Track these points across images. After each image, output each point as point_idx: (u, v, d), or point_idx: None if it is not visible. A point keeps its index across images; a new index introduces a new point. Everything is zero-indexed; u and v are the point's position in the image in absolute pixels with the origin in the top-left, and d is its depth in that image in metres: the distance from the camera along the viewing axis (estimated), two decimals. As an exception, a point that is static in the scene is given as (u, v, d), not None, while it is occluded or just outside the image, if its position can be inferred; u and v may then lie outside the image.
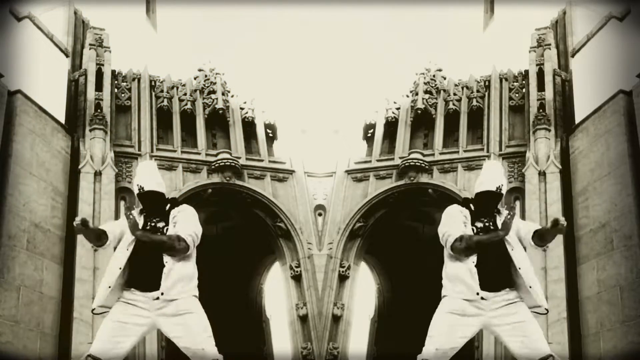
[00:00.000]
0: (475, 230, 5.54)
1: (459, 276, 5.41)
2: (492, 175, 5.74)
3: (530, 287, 5.30)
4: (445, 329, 5.38)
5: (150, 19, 15.68)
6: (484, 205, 5.67)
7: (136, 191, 5.69)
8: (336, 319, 12.51)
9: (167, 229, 5.54)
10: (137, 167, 6.02)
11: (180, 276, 5.41)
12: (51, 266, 10.82)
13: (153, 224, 5.57)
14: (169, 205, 5.72)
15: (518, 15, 13.96)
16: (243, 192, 12.71)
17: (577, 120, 11.82)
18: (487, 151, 12.27)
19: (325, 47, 18.37)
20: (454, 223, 5.57)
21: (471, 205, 5.73)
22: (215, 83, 13.09)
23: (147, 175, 5.72)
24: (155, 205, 5.67)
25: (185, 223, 5.55)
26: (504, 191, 5.69)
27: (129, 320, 5.34)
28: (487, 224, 5.56)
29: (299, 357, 12.31)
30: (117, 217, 11.52)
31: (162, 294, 5.32)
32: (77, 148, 11.66)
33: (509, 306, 5.36)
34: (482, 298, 5.32)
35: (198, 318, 5.42)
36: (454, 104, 12.81)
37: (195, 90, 12.96)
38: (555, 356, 5.23)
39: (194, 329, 5.37)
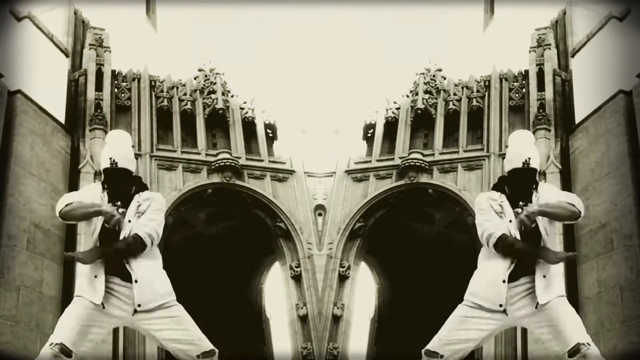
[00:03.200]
0: (515, 216, 4.91)
1: (489, 282, 4.88)
2: (518, 148, 5.09)
3: (544, 276, 4.77)
4: (454, 320, 4.91)
5: (150, 19, 15.68)
6: (516, 186, 5.02)
7: (106, 164, 4.97)
8: (336, 319, 12.51)
9: (126, 215, 4.88)
10: (108, 136, 5.33)
11: (150, 282, 4.81)
12: (51, 266, 10.81)
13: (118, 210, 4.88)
14: (134, 187, 5.08)
15: (518, 15, 13.96)
16: (243, 192, 12.71)
17: (577, 120, 11.82)
18: (487, 151, 12.27)
19: (325, 47, 18.36)
20: (488, 217, 4.98)
21: (506, 188, 5.10)
22: (215, 83, 13.09)
23: (119, 148, 5.08)
24: (121, 185, 4.99)
25: (149, 218, 4.92)
26: (534, 164, 5.01)
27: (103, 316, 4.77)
28: (524, 209, 4.90)
29: (299, 357, 12.31)
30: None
31: (138, 305, 4.73)
32: (77, 148, 11.66)
33: (532, 295, 4.80)
34: (504, 310, 4.80)
35: (188, 319, 4.90)
36: (454, 104, 12.81)
37: (195, 90, 12.97)
38: (587, 343, 4.62)
39: (185, 324, 4.85)
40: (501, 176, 5.31)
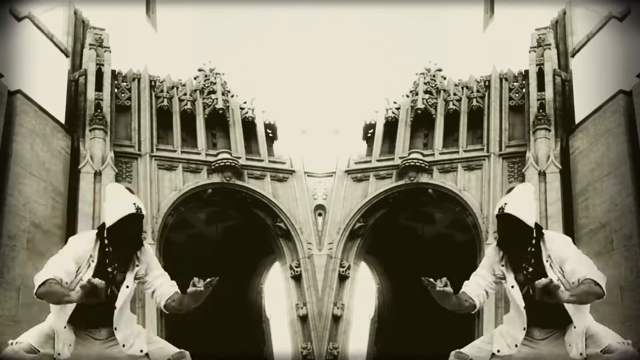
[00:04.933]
0: (517, 283, 4.71)
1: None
2: (502, 199, 4.84)
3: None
4: (489, 335, 4.94)
5: (150, 19, 15.68)
6: (503, 236, 4.74)
7: (131, 210, 4.72)
8: (336, 319, 12.50)
9: (125, 277, 4.74)
10: (113, 187, 5.14)
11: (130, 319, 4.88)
12: (51, 266, 10.80)
13: (113, 274, 4.70)
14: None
15: (518, 15, 13.96)
16: (243, 192, 12.71)
17: (577, 120, 11.82)
18: (487, 151, 12.27)
19: (325, 46, 18.35)
20: (479, 269, 4.89)
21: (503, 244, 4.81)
22: (215, 83, 13.09)
23: (136, 198, 4.88)
24: (133, 235, 4.75)
25: (161, 271, 4.86)
26: (509, 210, 4.65)
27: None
28: (525, 273, 4.63)
29: (299, 357, 12.30)
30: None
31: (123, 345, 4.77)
32: (77, 148, 11.66)
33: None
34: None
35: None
36: (454, 104, 12.81)
37: (195, 90, 12.96)
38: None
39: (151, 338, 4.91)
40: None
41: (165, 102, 12.74)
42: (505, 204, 4.73)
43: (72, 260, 4.75)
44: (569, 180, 11.56)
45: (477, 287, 4.81)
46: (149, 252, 4.90)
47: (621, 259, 10.19)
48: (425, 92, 13.01)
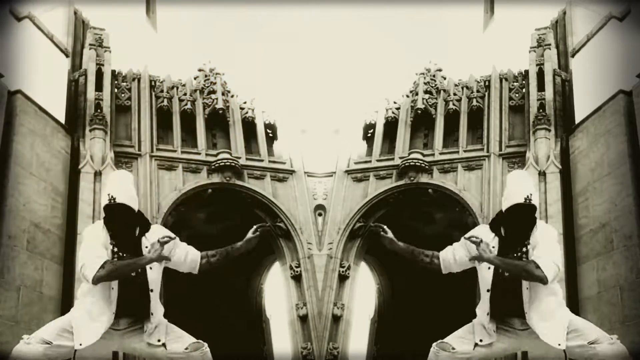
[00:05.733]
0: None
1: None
2: (520, 185, 5.04)
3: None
4: (470, 325, 5.16)
5: (150, 19, 15.67)
6: (515, 223, 4.99)
7: (105, 201, 5.02)
8: (336, 319, 12.49)
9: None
10: (111, 175, 5.46)
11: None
12: (51, 266, 10.81)
13: (123, 257, 4.99)
14: (137, 228, 5.10)
15: (518, 15, 13.96)
16: (243, 192, 12.71)
17: (577, 120, 11.82)
18: (487, 151, 12.27)
19: (325, 46, 18.36)
20: (455, 244, 5.28)
21: (502, 229, 5.08)
22: (215, 83, 13.09)
23: (118, 186, 5.09)
24: (123, 224, 5.03)
25: (185, 245, 5.23)
26: (535, 202, 4.99)
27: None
28: (516, 256, 4.96)
29: (299, 357, 12.30)
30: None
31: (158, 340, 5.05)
32: (77, 148, 11.66)
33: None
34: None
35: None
36: (454, 104, 12.81)
37: (195, 90, 12.97)
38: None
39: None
40: (499, 212, 5.25)
41: (165, 102, 12.74)
42: (531, 194, 4.96)
43: (102, 247, 5.03)
44: (569, 180, 11.56)
45: (447, 251, 5.36)
46: (158, 232, 5.09)
47: (621, 259, 10.19)
48: (425, 92, 13.01)
